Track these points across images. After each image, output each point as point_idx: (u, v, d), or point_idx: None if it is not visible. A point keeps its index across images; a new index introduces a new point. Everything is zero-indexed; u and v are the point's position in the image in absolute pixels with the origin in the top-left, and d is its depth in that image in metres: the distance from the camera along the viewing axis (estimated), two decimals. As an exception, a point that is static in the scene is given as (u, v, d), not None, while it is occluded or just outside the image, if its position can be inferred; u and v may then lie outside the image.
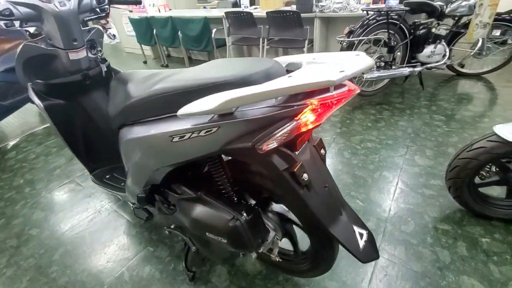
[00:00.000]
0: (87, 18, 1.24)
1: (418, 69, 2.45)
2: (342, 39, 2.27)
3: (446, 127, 2.13)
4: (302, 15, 2.71)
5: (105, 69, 1.34)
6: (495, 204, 1.32)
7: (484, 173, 1.29)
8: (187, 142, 0.70)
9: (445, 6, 2.35)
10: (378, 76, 2.35)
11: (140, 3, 1.38)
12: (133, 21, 4.38)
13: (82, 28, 1.18)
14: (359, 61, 0.55)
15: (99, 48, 1.34)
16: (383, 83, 2.66)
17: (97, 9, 1.24)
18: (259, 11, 3.29)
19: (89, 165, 1.48)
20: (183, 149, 0.73)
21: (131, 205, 1.30)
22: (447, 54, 2.56)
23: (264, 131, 0.59)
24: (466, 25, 2.53)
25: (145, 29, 4.31)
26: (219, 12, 3.71)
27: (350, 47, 2.27)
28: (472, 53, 2.49)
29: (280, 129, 0.58)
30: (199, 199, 0.87)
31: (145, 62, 4.92)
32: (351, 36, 2.25)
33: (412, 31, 2.39)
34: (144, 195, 1.01)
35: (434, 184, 1.60)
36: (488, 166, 1.28)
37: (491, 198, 1.34)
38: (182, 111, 0.63)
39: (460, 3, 2.35)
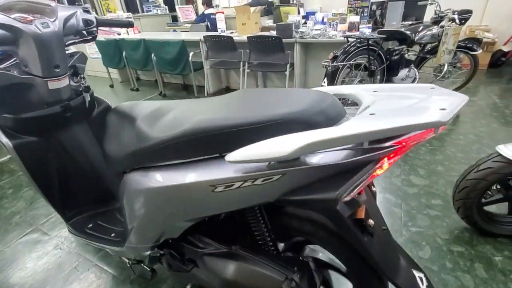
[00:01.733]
0: (71, 42, 1.07)
1: (394, 91, 2.59)
2: (327, 63, 2.33)
3: (429, 145, 2.25)
4: (283, 40, 2.77)
5: (89, 99, 1.16)
6: (501, 221, 1.36)
7: (489, 192, 1.33)
8: (235, 192, 0.58)
9: (413, 35, 2.57)
10: (361, 98, 2.43)
11: (132, 25, 1.25)
12: (100, 43, 4.11)
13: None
14: (451, 96, 0.50)
15: (82, 75, 1.17)
16: (363, 104, 2.77)
17: (84, 32, 1.08)
18: (236, 35, 3.30)
19: (65, 213, 1.23)
20: (227, 200, 0.60)
21: (127, 261, 1.09)
22: (417, 77, 2.77)
23: (347, 178, 0.50)
24: (429, 51, 2.79)
25: (113, 51, 4.06)
26: (193, 36, 3.65)
27: (335, 71, 2.33)
28: (439, 77, 2.73)
29: (366, 174, 0.49)
30: (235, 254, 0.73)
31: (111, 86, 4.60)
32: (335, 61, 2.32)
33: (388, 56, 2.56)
34: (159, 254, 0.83)
35: (436, 204, 1.62)
36: (490, 185, 1.33)
37: (496, 215, 1.38)
38: (237, 156, 0.52)
39: (425, 32, 2.60)
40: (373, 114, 0.50)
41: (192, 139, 0.60)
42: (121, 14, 4.47)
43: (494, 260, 1.28)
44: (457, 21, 2.38)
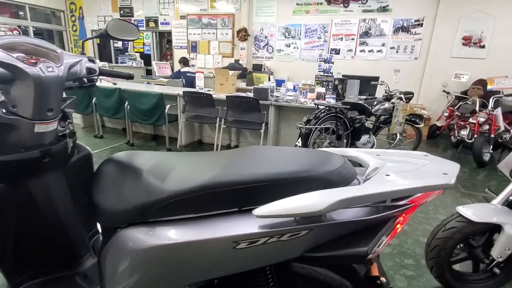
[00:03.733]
0: (68, 87, 1.05)
1: (358, 154, 2.89)
2: (301, 125, 2.55)
3: (393, 205, 2.44)
4: (260, 101, 3.01)
5: (71, 145, 1.09)
6: (468, 280, 1.46)
7: (455, 251, 1.45)
8: (258, 248, 0.57)
9: (370, 107, 3.00)
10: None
11: (132, 78, 1.28)
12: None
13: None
14: (444, 163, 0.60)
15: (70, 120, 1.12)
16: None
17: (85, 79, 1.08)
18: (213, 93, 3.50)
19: (14, 277, 1.02)
20: (249, 257, 0.58)
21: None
22: (375, 142, 3.15)
23: (373, 233, 0.53)
24: (383, 122, 3.24)
25: (82, 97, 3.94)
26: (170, 90, 3.78)
27: (308, 133, 2.55)
28: (393, 144, 3.13)
29: (389, 230, 0.54)
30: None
31: (72, 131, 4.31)
32: (308, 124, 2.56)
33: (351, 123, 2.91)
34: None
35: (409, 264, 1.69)
36: (455, 244, 1.46)
37: (463, 274, 1.48)
38: (267, 211, 0.53)
39: (379, 106, 3.06)
40: (388, 175, 0.57)
41: (212, 192, 0.60)
42: (97, 61, 4.49)
43: (470, 320, 1.32)
44: (404, 99, 2.88)
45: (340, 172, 0.63)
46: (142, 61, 6.89)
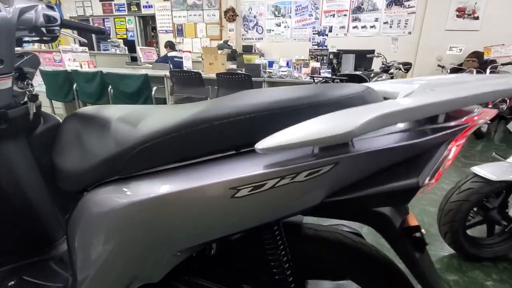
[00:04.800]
0: (25, 39, 0.87)
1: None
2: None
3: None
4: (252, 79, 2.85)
5: (34, 111, 0.91)
6: (483, 244, 1.38)
7: (470, 215, 1.35)
8: (265, 195, 0.43)
9: (368, 80, 2.88)
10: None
11: (103, 33, 1.10)
12: (46, 74, 3.72)
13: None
14: (499, 75, 0.47)
15: (30, 81, 0.94)
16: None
17: (43, 29, 0.89)
18: (203, 73, 3.31)
19: None
20: (253, 208, 0.45)
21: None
22: (373, 117, 3.05)
23: (422, 163, 0.40)
24: (380, 96, 3.14)
25: (62, 83, 3.69)
26: (155, 72, 3.57)
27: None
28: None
29: (441, 158, 0.40)
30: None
31: (54, 121, 4.07)
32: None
33: (349, 96, 2.79)
34: None
35: (419, 232, 1.61)
36: (469, 208, 1.36)
37: (478, 239, 1.40)
38: (274, 141, 0.38)
39: (377, 78, 2.94)
40: (433, 90, 0.44)
41: (198, 130, 0.45)
42: (76, 47, 4.21)
43: (487, 285, 1.25)
44: (403, 70, 2.77)
45: (363, 96, 0.48)
46: (126, 47, 6.56)
